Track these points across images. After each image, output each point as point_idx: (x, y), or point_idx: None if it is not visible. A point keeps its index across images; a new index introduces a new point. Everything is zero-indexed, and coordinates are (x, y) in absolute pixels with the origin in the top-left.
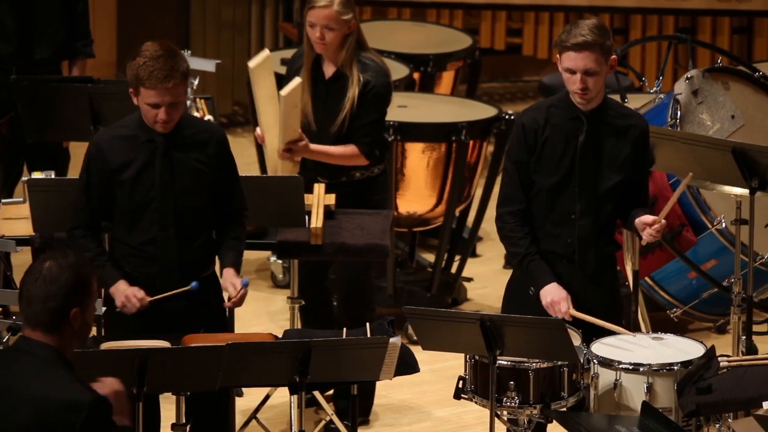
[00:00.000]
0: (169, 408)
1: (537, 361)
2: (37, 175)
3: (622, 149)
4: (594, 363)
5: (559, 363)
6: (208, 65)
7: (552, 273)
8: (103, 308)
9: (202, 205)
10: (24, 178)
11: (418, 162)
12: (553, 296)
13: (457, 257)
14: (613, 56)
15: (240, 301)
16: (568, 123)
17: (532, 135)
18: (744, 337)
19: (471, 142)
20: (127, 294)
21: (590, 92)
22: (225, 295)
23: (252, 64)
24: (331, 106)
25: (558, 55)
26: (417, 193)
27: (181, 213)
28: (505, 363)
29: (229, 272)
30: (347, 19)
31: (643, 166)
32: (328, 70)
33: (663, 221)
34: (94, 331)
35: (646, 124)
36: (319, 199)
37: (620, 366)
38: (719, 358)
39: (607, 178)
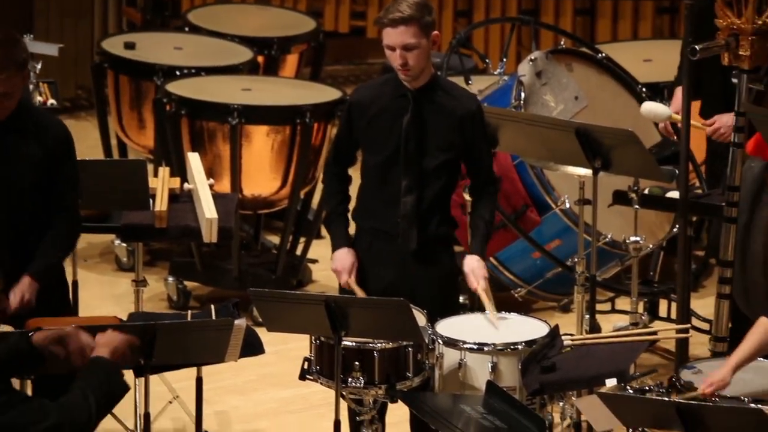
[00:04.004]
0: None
1: (382, 341)
2: None
3: (449, 129)
4: (439, 343)
5: (404, 343)
6: (51, 49)
7: (348, 238)
8: None
9: (36, 197)
10: None
11: (263, 145)
12: (337, 264)
13: (302, 239)
14: (435, 32)
15: (22, 308)
16: (396, 101)
17: (357, 111)
18: (587, 316)
19: (315, 125)
20: None
21: (412, 68)
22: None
23: None
24: None
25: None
26: (262, 176)
27: (14, 204)
28: (350, 344)
29: (25, 280)
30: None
31: (477, 146)
32: None
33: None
34: None
35: (476, 104)
36: (163, 182)
37: (465, 346)
38: (563, 337)
39: (433, 157)
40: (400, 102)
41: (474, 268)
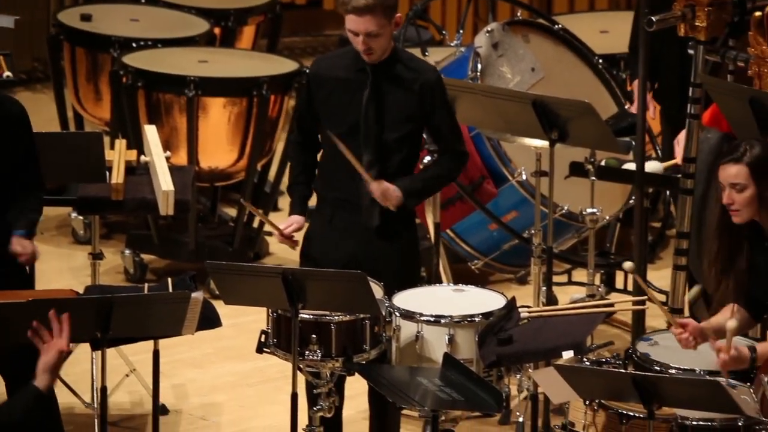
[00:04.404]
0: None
1: (339, 314)
2: None
3: (409, 101)
4: (396, 315)
5: (361, 316)
6: (7, 21)
7: (302, 207)
8: None
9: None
10: None
11: (220, 117)
12: (283, 224)
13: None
14: (398, 14)
15: (32, 258)
16: (355, 74)
17: (316, 83)
18: (544, 288)
19: (272, 97)
20: None
21: (375, 52)
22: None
23: None
24: None
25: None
26: (218, 148)
27: None
28: (307, 316)
29: (17, 237)
30: None
31: (438, 116)
32: None
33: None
34: None
35: (435, 75)
36: (120, 154)
37: (422, 318)
38: (520, 309)
39: (394, 130)
40: (359, 76)
41: (387, 189)
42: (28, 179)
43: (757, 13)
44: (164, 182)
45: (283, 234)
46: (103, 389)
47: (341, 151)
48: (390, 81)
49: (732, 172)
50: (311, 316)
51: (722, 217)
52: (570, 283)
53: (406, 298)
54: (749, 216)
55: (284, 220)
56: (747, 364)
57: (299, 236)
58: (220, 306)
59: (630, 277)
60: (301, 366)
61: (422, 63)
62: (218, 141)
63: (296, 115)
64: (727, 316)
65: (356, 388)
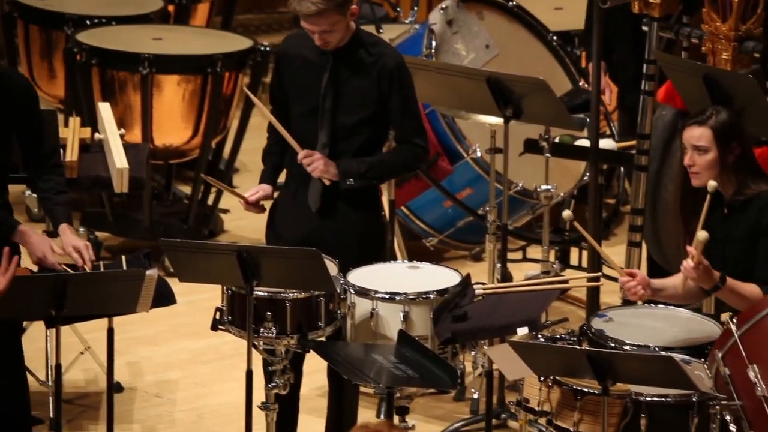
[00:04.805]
0: None
1: (294, 291)
2: None
3: (367, 86)
4: (350, 292)
5: (316, 293)
6: None
7: (270, 177)
8: None
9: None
10: None
11: (174, 94)
12: (253, 196)
13: (214, 189)
14: (353, 6)
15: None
16: (318, 57)
17: (284, 62)
18: (499, 265)
19: (227, 74)
20: None
21: (332, 44)
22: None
23: None
24: None
25: None
26: (173, 126)
27: None
28: (262, 294)
29: (65, 231)
30: None
31: (394, 103)
32: None
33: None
34: None
35: (395, 62)
36: (74, 132)
37: (376, 295)
38: (474, 286)
39: (352, 114)
40: (321, 59)
41: (316, 159)
42: (45, 153)
43: None
44: (119, 160)
45: (248, 201)
46: (58, 367)
47: (276, 128)
48: (350, 65)
49: (695, 134)
50: (266, 294)
51: (685, 180)
52: (525, 259)
53: (360, 276)
54: (708, 180)
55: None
56: (708, 284)
57: (269, 206)
58: (174, 283)
59: (585, 253)
60: (255, 343)
61: (385, 48)
62: (173, 118)
63: (270, 90)
64: (679, 279)
65: (313, 365)
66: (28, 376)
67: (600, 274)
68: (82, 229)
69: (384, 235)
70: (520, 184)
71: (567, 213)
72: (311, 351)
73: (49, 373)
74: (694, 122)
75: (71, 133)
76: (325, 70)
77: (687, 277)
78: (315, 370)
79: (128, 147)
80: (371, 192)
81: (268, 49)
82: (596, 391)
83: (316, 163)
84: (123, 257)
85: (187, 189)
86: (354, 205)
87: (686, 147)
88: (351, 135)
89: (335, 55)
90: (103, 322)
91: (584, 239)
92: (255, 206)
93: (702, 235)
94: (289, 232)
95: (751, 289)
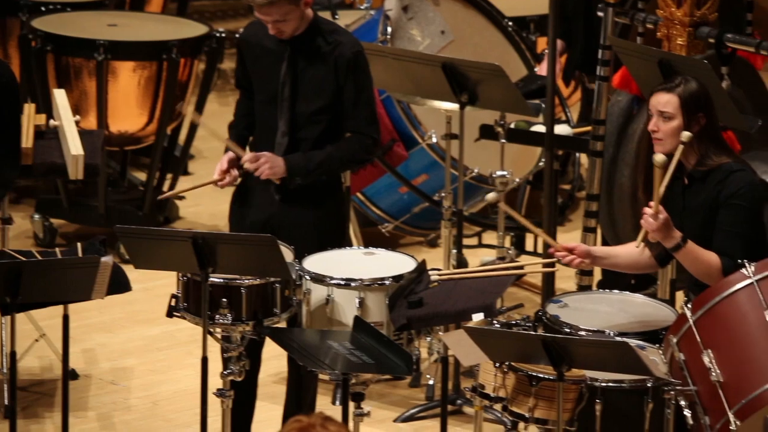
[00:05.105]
0: None
1: (249, 278)
2: None
3: (324, 75)
4: (306, 279)
5: (272, 279)
6: None
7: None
8: None
9: None
10: None
11: (129, 81)
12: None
13: (169, 176)
14: None
15: None
16: (277, 45)
17: (245, 48)
18: (454, 251)
19: (182, 60)
20: None
21: (286, 33)
22: None
23: None
24: None
25: None
26: (128, 112)
27: None
28: (218, 280)
29: None
30: None
31: (347, 93)
32: None
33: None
34: None
35: (352, 51)
36: (29, 119)
37: (332, 281)
38: (430, 272)
39: (310, 103)
40: (280, 47)
41: (261, 161)
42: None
43: None
44: (74, 146)
45: (221, 185)
46: (13, 354)
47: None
48: (308, 54)
49: (662, 100)
50: (221, 280)
51: (648, 148)
52: (480, 245)
53: (316, 262)
54: (670, 148)
55: (192, 184)
56: (670, 242)
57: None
58: (130, 270)
59: (540, 239)
60: (211, 330)
61: (343, 36)
62: (128, 105)
63: (236, 75)
64: (629, 248)
65: (270, 352)
66: None
67: (555, 260)
68: (37, 216)
69: (345, 223)
70: (476, 170)
71: (492, 195)
72: (266, 338)
73: (4, 360)
74: (663, 88)
75: (26, 119)
76: (283, 58)
77: (646, 231)
78: (272, 356)
79: (83, 133)
80: (334, 179)
81: (223, 35)
82: (551, 377)
83: (262, 168)
84: (78, 244)
85: (142, 175)
86: (316, 192)
87: (652, 112)
88: (310, 123)
89: (292, 43)
90: (58, 309)
91: (540, 224)
92: (226, 175)
93: (659, 157)
94: (252, 213)
95: (710, 256)
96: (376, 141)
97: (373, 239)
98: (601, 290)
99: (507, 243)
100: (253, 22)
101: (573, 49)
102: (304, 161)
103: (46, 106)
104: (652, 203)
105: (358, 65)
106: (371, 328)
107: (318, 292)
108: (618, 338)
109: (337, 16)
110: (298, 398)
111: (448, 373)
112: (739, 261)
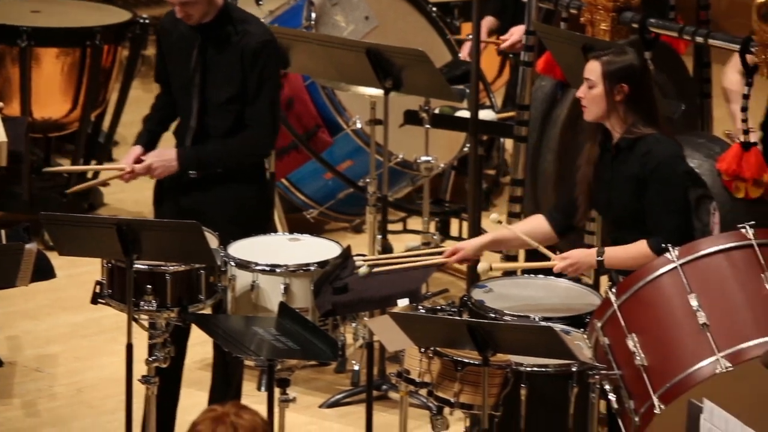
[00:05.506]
0: None
1: (174, 264)
2: None
3: (233, 64)
4: (231, 265)
5: (196, 266)
6: None
7: (144, 140)
8: None
9: None
10: None
11: (53, 67)
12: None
13: (93, 162)
14: None
15: None
16: (190, 33)
17: (162, 36)
18: (380, 237)
19: (106, 47)
20: None
21: (194, 18)
22: None
23: None
24: None
25: None
26: (52, 99)
27: None
28: (142, 267)
29: None
30: None
31: (250, 84)
32: None
33: None
34: None
35: (258, 42)
36: None
37: (257, 267)
38: (355, 258)
39: (221, 90)
40: (192, 34)
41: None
42: None
43: None
44: None
45: (127, 178)
46: None
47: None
48: (217, 42)
49: (589, 67)
50: (146, 267)
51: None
52: (405, 231)
53: (241, 248)
54: (595, 116)
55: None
56: (591, 266)
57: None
58: (54, 257)
59: (465, 224)
60: (136, 317)
61: (252, 27)
62: (51, 91)
63: (155, 64)
64: (532, 223)
65: (195, 338)
66: None
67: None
68: None
69: (268, 208)
70: (401, 156)
71: (482, 266)
72: (191, 324)
73: None
74: (594, 55)
75: None
76: (195, 45)
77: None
78: (197, 342)
79: (6, 120)
80: (256, 164)
81: (147, 21)
82: (477, 362)
83: (158, 172)
84: (2, 231)
85: (66, 162)
86: (237, 178)
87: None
88: (221, 112)
89: (202, 30)
90: None
91: (465, 210)
92: (135, 172)
93: (481, 266)
94: (174, 200)
95: (636, 249)
96: (267, 142)
97: (298, 225)
98: (526, 275)
99: (432, 228)
100: (172, 10)
101: (506, 24)
102: (197, 155)
103: None
104: (553, 257)
105: (263, 57)
106: (296, 313)
107: (243, 279)
108: (543, 323)
109: (261, 2)
110: (224, 384)
111: (374, 358)
112: (663, 245)
